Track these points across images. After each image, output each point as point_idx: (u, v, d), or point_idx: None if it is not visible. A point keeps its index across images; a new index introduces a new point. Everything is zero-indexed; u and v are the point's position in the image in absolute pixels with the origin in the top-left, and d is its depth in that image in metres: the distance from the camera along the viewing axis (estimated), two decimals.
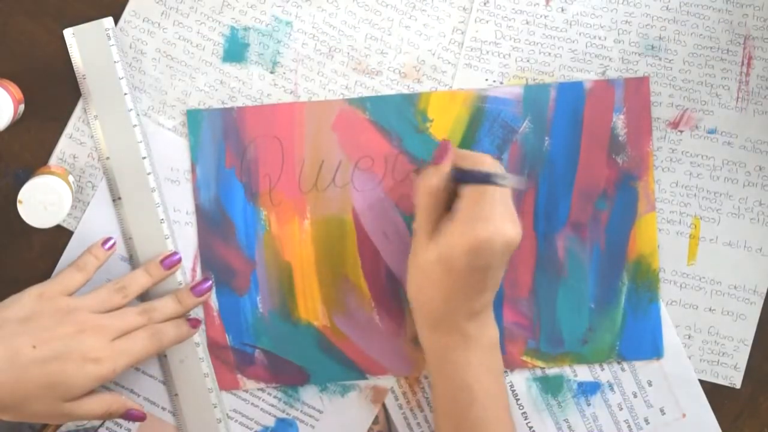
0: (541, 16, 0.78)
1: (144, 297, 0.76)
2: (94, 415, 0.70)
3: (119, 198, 0.77)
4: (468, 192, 0.68)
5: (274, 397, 0.78)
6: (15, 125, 0.76)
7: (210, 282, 0.76)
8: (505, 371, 0.78)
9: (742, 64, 0.78)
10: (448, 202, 0.71)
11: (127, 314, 0.72)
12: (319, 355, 0.77)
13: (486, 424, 0.69)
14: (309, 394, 0.78)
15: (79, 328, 0.69)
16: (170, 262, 0.75)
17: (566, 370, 0.78)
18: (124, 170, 0.76)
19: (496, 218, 0.67)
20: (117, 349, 0.70)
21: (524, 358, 0.78)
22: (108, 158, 0.76)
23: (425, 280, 0.70)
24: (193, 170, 0.77)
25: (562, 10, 0.78)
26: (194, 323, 0.75)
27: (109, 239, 0.75)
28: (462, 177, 0.70)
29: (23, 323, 0.68)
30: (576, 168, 0.77)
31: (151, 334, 0.72)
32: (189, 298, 0.75)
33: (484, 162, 0.70)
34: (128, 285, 0.74)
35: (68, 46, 0.76)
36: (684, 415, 0.78)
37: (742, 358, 0.78)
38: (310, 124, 0.77)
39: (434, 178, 0.70)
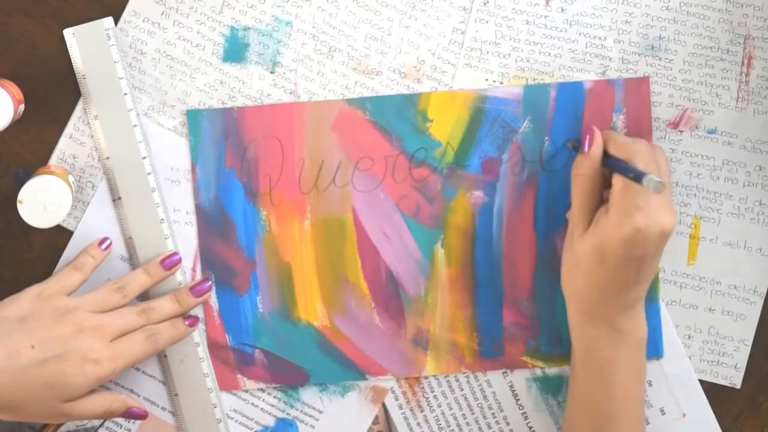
0: (541, 16, 0.78)
1: (144, 297, 0.76)
2: (95, 414, 0.70)
3: (119, 198, 0.77)
4: (622, 180, 0.68)
5: (274, 397, 0.78)
6: (15, 125, 0.76)
7: (209, 282, 0.76)
8: (505, 371, 0.78)
9: (742, 64, 0.78)
10: (602, 188, 0.71)
11: (125, 314, 0.72)
12: (319, 355, 0.77)
13: (619, 424, 0.70)
14: (309, 394, 0.78)
15: (78, 328, 0.69)
16: (170, 262, 0.75)
17: (566, 370, 0.78)
18: (124, 170, 0.76)
19: (651, 208, 0.67)
20: (116, 350, 0.70)
21: (524, 358, 0.78)
22: (108, 158, 0.76)
23: (579, 270, 0.70)
24: (193, 170, 0.77)
25: (562, 10, 0.78)
26: (192, 321, 0.75)
27: (105, 239, 0.75)
28: (614, 167, 0.70)
29: (21, 323, 0.68)
30: None
31: (148, 335, 0.72)
32: (188, 298, 0.75)
33: (636, 151, 0.69)
34: (127, 285, 0.74)
35: (68, 46, 0.76)
36: (684, 415, 0.78)
37: (742, 358, 0.78)
38: (310, 124, 0.77)
39: (586, 166, 0.71)
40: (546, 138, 0.77)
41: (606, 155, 0.71)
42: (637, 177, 0.66)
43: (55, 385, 0.68)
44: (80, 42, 0.76)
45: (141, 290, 0.74)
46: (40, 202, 0.72)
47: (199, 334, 0.77)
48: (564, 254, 0.73)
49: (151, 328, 0.73)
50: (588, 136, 0.72)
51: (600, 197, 0.72)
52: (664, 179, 0.70)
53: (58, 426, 0.73)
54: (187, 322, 0.75)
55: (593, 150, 0.71)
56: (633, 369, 0.71)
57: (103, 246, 0.75)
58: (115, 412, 0.72)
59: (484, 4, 0.78)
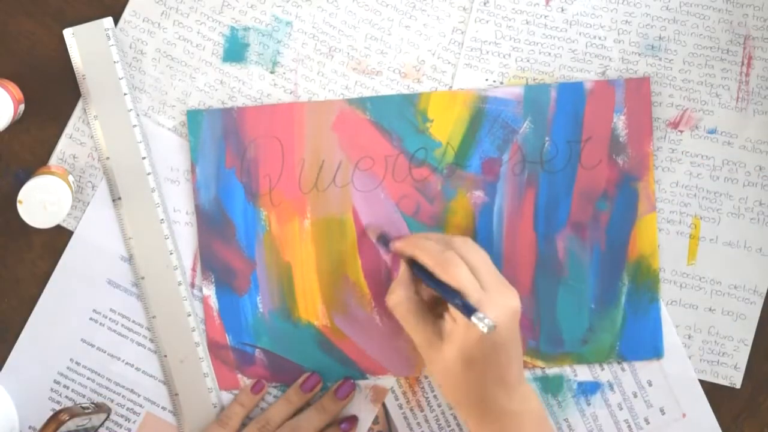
0: (541, 16, 0.78)
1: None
2: None
3: (119, 198, 0.77)
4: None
5: (274, 396, 0.78)
6: (15, 125, 0.76)
7: (352, 381, 0.77)
8: None
9: (742, 64, 0.78)
10: (425, 300, 0.71)
11: None
12: (319, 355, 0.77)
13: None
14: None
15: None
16: (310, 384, 0.77)
17: (566, 370, 0.78)
18: (124, 170, 0.76)
19: (493, 298, 0.66)
20: None
21: (524, 358, 0.78)
22: (108, 158, 0.76)
23: (454, 380, 0.68)
24: (193, 170, 0.77)
25: (562, 10, 0.78)
26: (349, 426, 0.76)
27: (259, 382, 0.77)
28: (438, 292, 0.68)
29: None
30: (576, 168, 0.77)
31: None
32: (333, 403, 0.76)
33: (447, 261, 0.68)
34: (271, 419, 0.75)
35: (68, 46, 0.76)
36: (684, 415, 0.78)
37: (742, 358, 0.78)
38: (310, 124, 0.77)
39: (402, 293, 0.70)
40: (546, 138, 0.77)
41: (422, 272, 0.70)
42: (466, 310, 0.65)
43: None
44: (80, 42, 0.76)
45: (284, 420, 0.76)
46: (40, 202, 0.72)
47: (199, 334, 0.77)
48: (431, 372, 0.71)
49: None
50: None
51: (427, 307, 0.70)
52: (486, 284, 0.68)
53: (58, 426, 0.73)
54: (343, 427, 0.76)
55: (400, 275, 0.70)
56: None
57: (257, 390, 0.76)
58: None
59: (484, 4, 0.78)
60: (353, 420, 0.77)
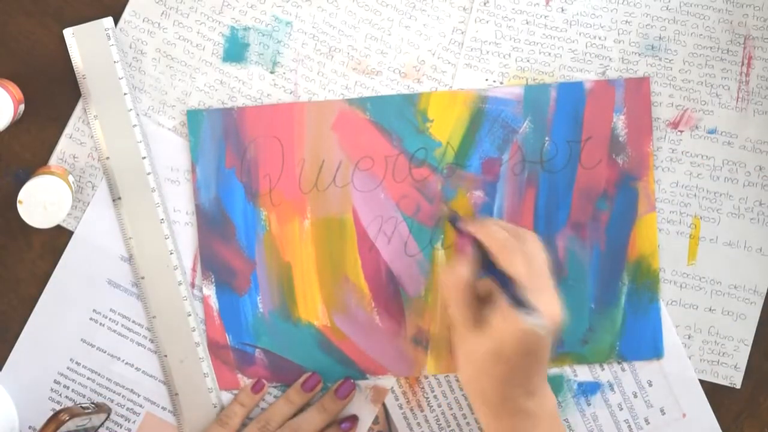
0: (541, 16, 0.78)
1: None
2: None
3: (119, 198, 0.77)
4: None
5: (274, 396, 0.78)
6: (15, 125, 0.76)
7: (352, 381, 0.77)
8: None
9: (742, 64, 0.78)
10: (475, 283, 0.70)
11: None
12: (319, 355, 0.77)
13: None
14: None
15: None
16: (310, 385, 0.77)
17: (566, 370, 0.78)
18: (124, 170, 0.76)
19: (542, 305, 0.66)
20: None
21: None
22: (108, 158, 0.76)
23: (478, 371, 0.68)
24: (193, 170, 0.77)
25: (562, 10, 0.78)
26: (349, 425, 0.77)
27: (259, 382, 0.77)
28: (496, 281, 0.68)
29: None
30: (576, 168, 0.77)
31: None
32: (334, 403, 0.76)
33: (503, 247, 0.68)
34: (271, 419, 0.75)
35: (68, 46, 0.76)
36: (684, 415, 0.78)
37: (742, 358, 0.78)
38: (311, 124, 0.77)
39: (463, 271, 0.69)
40: (546, 138, 0.77)
41: (485, 263, 0.69)
42: (517, 302, 0.65)
43: None
44: (80, 42, 0.76)
45: (284, 420, 0.76)
46: (40, 202, 0.72)
47: (199, 334, 0.77)
48: (456, 355, 0.70)
49: None
50: (464, 240, 0.71)
51: (477, 296, 0.70)
52: (540, 285, 0.68)
53: (58, 426, 0.73)
54: (343, 426, 0.76)
55: (466, 256, 0.69)
56: None
57: (257, 389, 0.76)
58: None
59: (484, 4, 0.78)
60: (354, 419, 0.77)
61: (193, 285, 0.77)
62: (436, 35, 0.78)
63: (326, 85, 0.77)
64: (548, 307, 0.67)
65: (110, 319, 0.77)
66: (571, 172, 0.77)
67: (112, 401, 0.77)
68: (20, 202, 0.72)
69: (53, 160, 0.77)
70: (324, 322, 0.77)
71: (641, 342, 0.77)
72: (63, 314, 0.77)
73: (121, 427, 0.78)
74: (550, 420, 0.69)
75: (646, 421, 0.78)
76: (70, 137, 0.77)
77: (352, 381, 0.77)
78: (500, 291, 0.66)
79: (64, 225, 0.77)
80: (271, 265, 0.77)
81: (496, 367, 0.66)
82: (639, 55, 0.78)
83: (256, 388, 0.76)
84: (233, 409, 0.76)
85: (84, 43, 0.76)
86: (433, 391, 0.78)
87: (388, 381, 0.78)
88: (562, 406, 0.78)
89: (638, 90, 0.77)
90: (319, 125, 0.77)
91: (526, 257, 0.68)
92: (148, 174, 0.76)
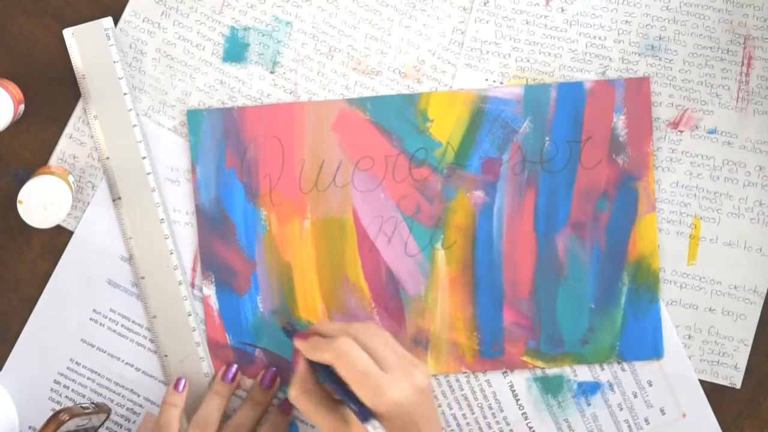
0: (541, 16, 0.78)
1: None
2: None
3: (119, 198, 0.77)
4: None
5: (274, 396, 0.78)
6: (15, 125, 0.76)
7: (274, 370, 0.77)
8: (505, 371, 0.78)
9: (742, 64, 0.78)
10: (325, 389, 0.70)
11: None
12: None
13: None
14: None
15: None
16: (231, 374, 0.77)
17: (566, 370, 0.78)
18: (124, 170, 0.76)
19: (396, 379, 0.66)
20: None
21: (524, 358, 0.78)
22: (108, 158, 0.76)
23: None
24: (193, 170, 0.77)
25: (562, 10, 0.78)
26: (286, 407, 0.77)
27: (180, 380, 0.76)
28: (335, 391, 0.68)
29: None
30: (576, 168, 0.77)
31: None
32: (261, 394, 0.76)
33: (337, 359, 0.67)
34: (208, 417, 0.74)
35: (68, 46, 0.76)
36: (684, 415, 0.78)
37: (742, 358, 0.78)
38: (311, 124, 0.77)
39: (301, 386, 0.70)
40: (546, 138, 0.77)
41: (319, 370, 0.69)
42: (362, 416, 0.64)
43: None
44: (80, 42, 0.76)
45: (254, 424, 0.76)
46: (40, 202, 0.72)
47: (199, 334, 0.77)
48: None
49: None
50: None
51: (330, 395, 0.70)
52: (389, 365, 0.67)
53: (58, 426, 0.73)
54: (282, 407, 0.77)
55: (299, 371, 0.70)
56: None
57: (180, 387, 0.75)
58: None
59: (484, 4, 0.78)
60: (287, 402, 0.77)
61: (193, 285, 0.77)
62: (436, 35, 0.78)
63: (326, 85, 0.77)
64: (406, 382, 0.66)
65: (110, 319, 0.77)
66: (571, 172, 0.77)
67: (112, 401, 0.77)
68: (20, 202, 0.72)
69: (53, 160, 0.77)
70: None
71: (641, 342, 0.77)
72: (63, 314, 0.77)
73: (121, 427, 0.78)
74: None
75: (646, 421, 0.78)
76: (70, 137, 0.77)
77: (273, 370, 0.77)
78: (345, 402, 0.67)
79: (64, 225, 0.77)
80: (271, 265, 0.77)
81: None
82: (639, 55, 0.78)
83: (227, 377, 0.76)
84: (165, 414, 0.75)
85: (84, 43, 0.76)
86: (433, 391, 0.78)
87: None
88: (562, 406, 0.78)
89: (638, 90, 0.77)
90: (319, 125, 0.77)
91: (365, 349, 0.67)
92: (148, 174, 0.76)
